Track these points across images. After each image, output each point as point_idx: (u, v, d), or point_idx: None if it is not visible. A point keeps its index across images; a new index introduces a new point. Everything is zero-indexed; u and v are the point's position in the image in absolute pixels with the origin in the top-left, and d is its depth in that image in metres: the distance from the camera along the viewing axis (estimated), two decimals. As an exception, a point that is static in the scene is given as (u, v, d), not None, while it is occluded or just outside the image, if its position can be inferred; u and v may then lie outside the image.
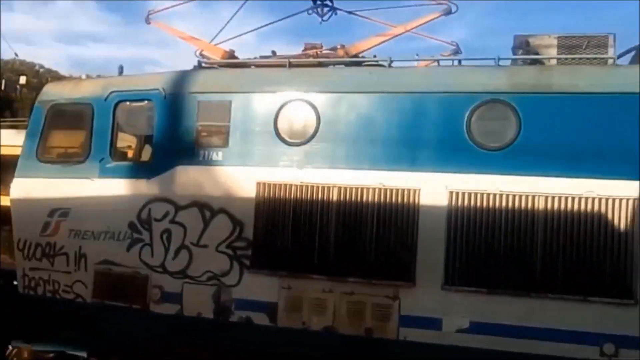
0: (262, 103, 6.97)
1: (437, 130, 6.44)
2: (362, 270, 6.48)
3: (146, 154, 7.67)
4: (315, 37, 8.67)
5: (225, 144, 7.04)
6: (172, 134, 7.24)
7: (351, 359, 6.49)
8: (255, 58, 8.10)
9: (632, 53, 7.02)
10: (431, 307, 6.29)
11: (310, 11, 8.70)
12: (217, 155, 7.04)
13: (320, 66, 7.53)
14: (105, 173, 7.47)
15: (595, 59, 6.57)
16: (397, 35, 7.85)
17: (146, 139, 7.72)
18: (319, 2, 8.64)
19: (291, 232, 6.71)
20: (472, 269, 6.22)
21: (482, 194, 6.24)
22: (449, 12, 7.64)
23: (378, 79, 6.80)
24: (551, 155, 6.10)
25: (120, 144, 7.85)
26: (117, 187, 7.38)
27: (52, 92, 8.17)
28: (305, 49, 8.12)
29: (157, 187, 7.21)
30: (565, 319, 5.95)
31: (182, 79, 7.37)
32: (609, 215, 5.93)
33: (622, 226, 5.90)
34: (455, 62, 7.52)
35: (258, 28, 9.10)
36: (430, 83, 6.61)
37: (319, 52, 7.89)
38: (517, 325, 6.05)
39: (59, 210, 7.68)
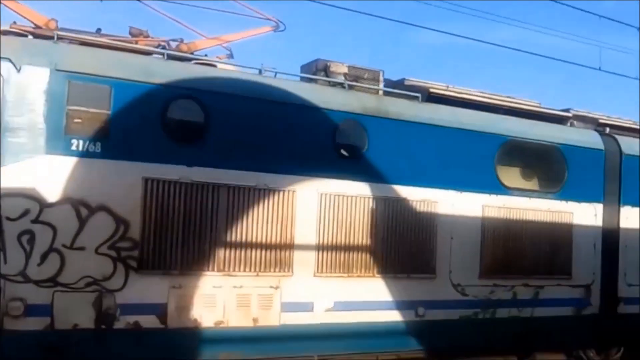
0: (149, 95, 6.52)
1: (311, 140, 7.39)
2: (249, 264, 6.95)
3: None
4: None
5: (105, 134, 6.31)
6: (29, 117, 6.02)
7: (241, 349, 6.89)
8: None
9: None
10: (305, 292, 7.26)
11: None
12: (96, 146, 6.26)
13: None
14: None
15: (408, 95, 8.47)
16: (230, 41, 8.18)
17: None
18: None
19: (182, 230, 6.60)
20: (336, 259, 7.46)
21: (344, 197, 7.52)
22: (277, 29, 8.42)
23: (266, 87, 7.23)
24: (393, 167, 7.84)
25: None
26: None
27: None
28: (132, 34, 7.63)
29: (8, 180, 5.92)
30: (397, 292, 7.81)
31: (46, 51, 6.16)
32: (422, 215, 8.05)
33: (430, 223, 8.10)
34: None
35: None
36: (309, 97, 7.45)
37: (161, 43, 7.59)
38: (366, 301, 7.61)
39: None
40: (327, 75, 8.28)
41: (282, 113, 7.26)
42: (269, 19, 8.35)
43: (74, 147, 6.18)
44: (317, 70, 8.43)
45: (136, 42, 7.41)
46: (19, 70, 6.00)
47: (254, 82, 7.34)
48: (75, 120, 6.24)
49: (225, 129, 6.88)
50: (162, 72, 6.71)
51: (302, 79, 8.23)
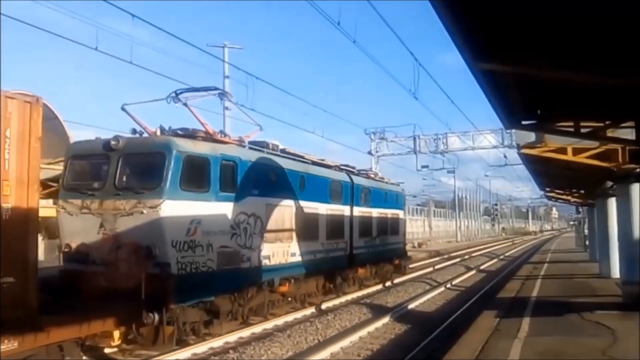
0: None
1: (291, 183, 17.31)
2: (281, 238, 16.56)
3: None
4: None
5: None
6: (245, 182, 14.48)
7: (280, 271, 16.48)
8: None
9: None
10: (294, 248, 17.14)
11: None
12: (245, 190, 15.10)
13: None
14: (216, 199, 13.63)
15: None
16: (250, 137, 17.08)
17: (232, 180, 14.08)
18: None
19: (272, 226, 15.84)
20: (303, 234, 17.51)
21: (306, 208, 17.64)
22: (260, 129, 17.58)
23: (269, 159, 16.81)
24: (315, 192, 18.25)
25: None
26: (222, 207, 13.80)
27: (185, 147, 12.89)
28: (222, 133, 15.96)
29: (243, 207, 14.37)
30: (309, 246, 18.31)
31: (235, 150, 14.67)
32: (311, 212, 18.71)
33: (315, 215, 18.82)
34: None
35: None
36: (288, 164, 17.28)
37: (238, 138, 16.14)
38: (314, 249, 17.93)
39: (195, 220, 12.96)
40: (270, 148, 17.88)
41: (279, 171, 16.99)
42: (258, 124, 17.65)
43: (253, 194, 14.91)
44: (264, 146, 17.87)
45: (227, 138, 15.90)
46: (215, 159, 14.45)
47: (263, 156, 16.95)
48: (253, 180, 14.92)
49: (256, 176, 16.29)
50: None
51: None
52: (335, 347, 13.02)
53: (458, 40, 6.71)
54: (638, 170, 14.72)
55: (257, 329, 14.93)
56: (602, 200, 22.25)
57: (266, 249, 15.57)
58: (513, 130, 27.16)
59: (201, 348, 12.70)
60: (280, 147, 18.42)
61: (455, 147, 45.44)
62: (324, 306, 18.56)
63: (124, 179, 12.95)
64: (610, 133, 12.72)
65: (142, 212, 12.33)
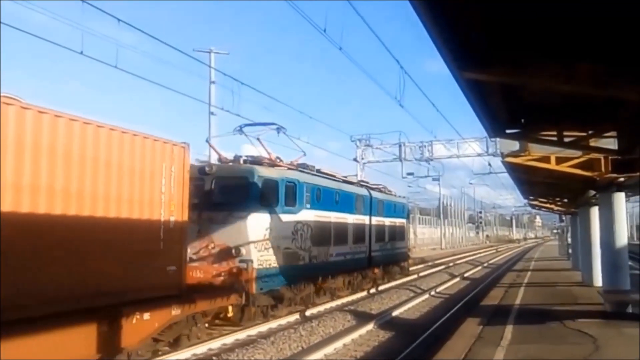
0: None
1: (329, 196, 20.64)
2: (323, 243, 19.87)
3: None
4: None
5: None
6: (301, 198, 17.80)
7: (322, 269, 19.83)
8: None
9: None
10: (331, 250, 20.55)
11: None
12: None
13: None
14: (282, 212, 17.12)
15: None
16: (299, 161, 20.41)
17: (292, 197, 17.43)
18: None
19: (315, 234, 19.12)
20: (337, 239, 20.97)
21: (338, 218, 20.97)
22: (304, 155, 20.90)
23: (320, 178, 20.19)
24: (337, 204, 21.60)
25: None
26: (286, 218, 17.18)
27: (263, 172, 16.72)
28: (278, 159, 19.28)
29: (299, 217, 17.84)
30: (341, 249, 22.03)
31: (295, 174, 18.10)
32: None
33: (345, 224, 22.17)
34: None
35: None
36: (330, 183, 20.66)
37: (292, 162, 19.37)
38: (344, 252, 21.37)
39: (268, 228, 16.32)
40: (309, 169, 21.09)
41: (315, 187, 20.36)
42: (302, 150, 21.14)
43: (306, 207, 18.42)
44: (306, 167, 21.08)
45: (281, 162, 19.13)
46: (281, 181, 17.83)
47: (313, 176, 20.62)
48: (306, 196, 18.22)
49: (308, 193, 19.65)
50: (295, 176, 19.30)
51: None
52: (318, 354, 12.96)
53: (442, 49, 6.61)
54: (620, 179, 14.67)
55: (241, 335, 14.88)
56: (584, 209, 22.89)
57: (314, 251, 19.09)
58: (497, 139, 26.36)
59: (184, 354, 12.69)
60: (316, 167, 21.65)
61: (440, 154, 44.78)
62: (308, 313, 18.64)
63: (217, 196, 16.78)
64: (593, 142, 12.65)
65: (232, 222, 15.78)
